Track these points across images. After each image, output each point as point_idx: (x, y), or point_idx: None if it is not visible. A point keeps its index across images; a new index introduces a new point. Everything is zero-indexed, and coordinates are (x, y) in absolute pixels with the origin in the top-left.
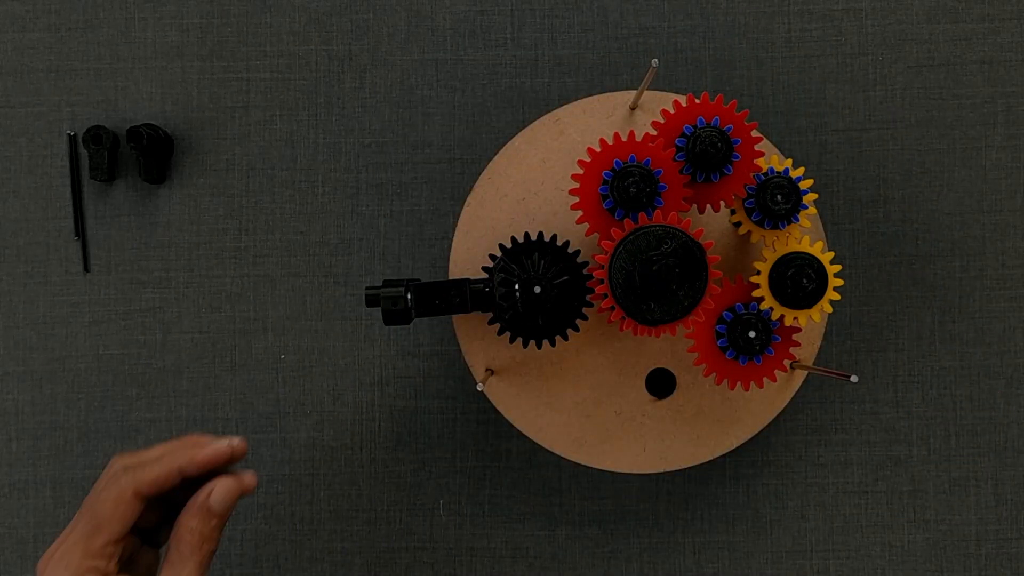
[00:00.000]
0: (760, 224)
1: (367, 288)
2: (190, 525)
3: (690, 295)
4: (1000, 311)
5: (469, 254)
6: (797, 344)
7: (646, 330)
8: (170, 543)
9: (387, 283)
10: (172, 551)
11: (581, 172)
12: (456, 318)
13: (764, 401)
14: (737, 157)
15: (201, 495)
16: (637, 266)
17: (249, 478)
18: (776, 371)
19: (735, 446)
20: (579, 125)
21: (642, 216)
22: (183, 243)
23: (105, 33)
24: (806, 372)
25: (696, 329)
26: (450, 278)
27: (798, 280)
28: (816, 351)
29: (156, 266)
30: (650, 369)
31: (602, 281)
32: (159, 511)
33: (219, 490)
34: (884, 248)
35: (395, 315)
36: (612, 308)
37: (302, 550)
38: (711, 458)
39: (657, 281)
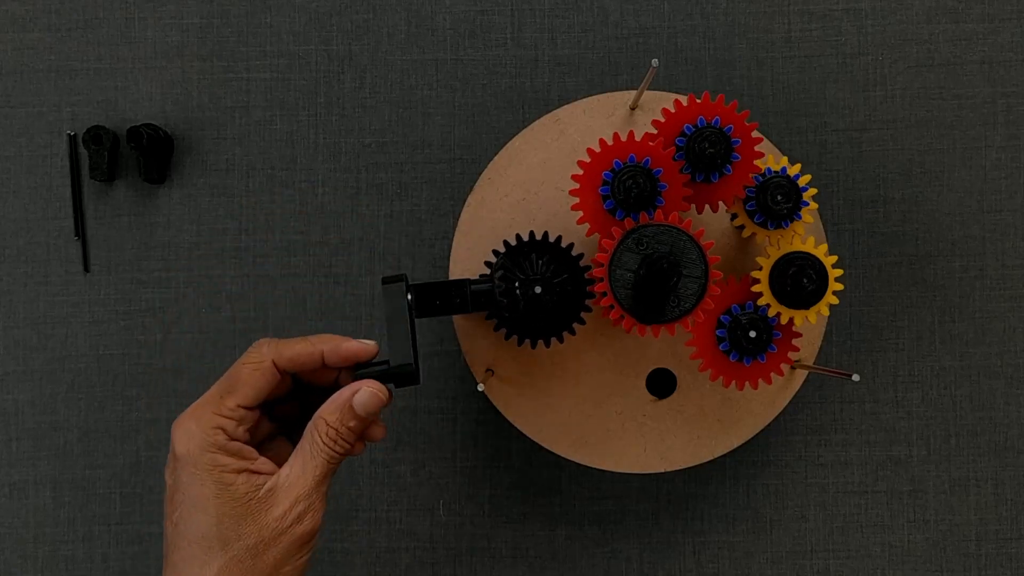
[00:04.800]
0: (761, 224)
1: (384, 278)
2: (328, 419)
3: (690, 295)
4: (1000, 311)
5: (469, 254)
6: (798, 345)
7: (645, 328)
8: (303, 435)
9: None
10: (304, 442)
11: (581, 172)
12: (456, 318)
13: (764, 401)
14: (737, 157)
15: (345, 392)
16: (637, 265)
17: (389, 396)
18: (776, 371)
19: (735, 446)
20: (579, 125)
21: (642, 216)
22: (183, 243)
23: (105, 33)
24: (806, 372)
25: (696, 329)
26: (450, 278)
27: (799, 280)
28: (816, 351)
29: (156, 266)
30: (650, 369)
31: (602, 280)
32: (298, 406)
33: (364, 392)
34: (884, 248)
35: (404, 379)
36: (612, 307)
37: None
38: (711, 458)
39: (657, 280)
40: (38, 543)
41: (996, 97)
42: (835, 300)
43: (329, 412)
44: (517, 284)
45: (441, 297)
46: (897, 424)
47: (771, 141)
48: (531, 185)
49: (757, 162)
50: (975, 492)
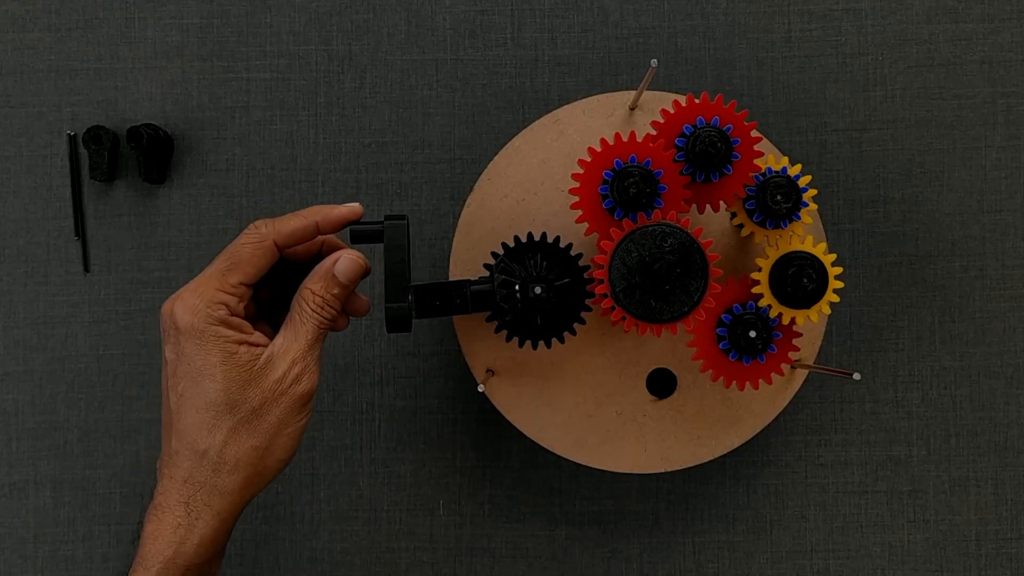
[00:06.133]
0: (760, 224)
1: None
2: (314, 288)
3: (690, 295)
4: (1000, 311)
5: (469, 254)
6: (798, 344)
7: (645, 328)
8: (291, 307)
9: (389, 278)
10: (293, 312)
11: (581, 172)
12: (456, 319)
13: (764, 401)
14: (737, 157)
15: (327, 263)
16: (637, 265)
17: (367, 264)
18: (776, 371)
19: (736, 446)
20: (579, 125)
21: (642, 216)
22: (183, 243)
23: (105, 33)
24: (806, 372)
25: (697, 329)
26: (450, 279)
27: (799, 280)
28: (816, 350)
29: (156, 266)
30: (651, 369)
31: (602, 281)
32: (275, 289)
33: (344, 260)
34: (884, 248)
35: (398, 323)
36: (612, 307)
37: (302, 550)
38: (712, 458)
39: (657, 280)
40: (38, 543)
41: (996, 97)
42: (835, 298)
43: (314, 282)
44: (517, 285)
45: (441, 298)
46: (897, 424)
47: (771, 141)
48: (531, 185)
49: (757, 162)
50: (975, 492)
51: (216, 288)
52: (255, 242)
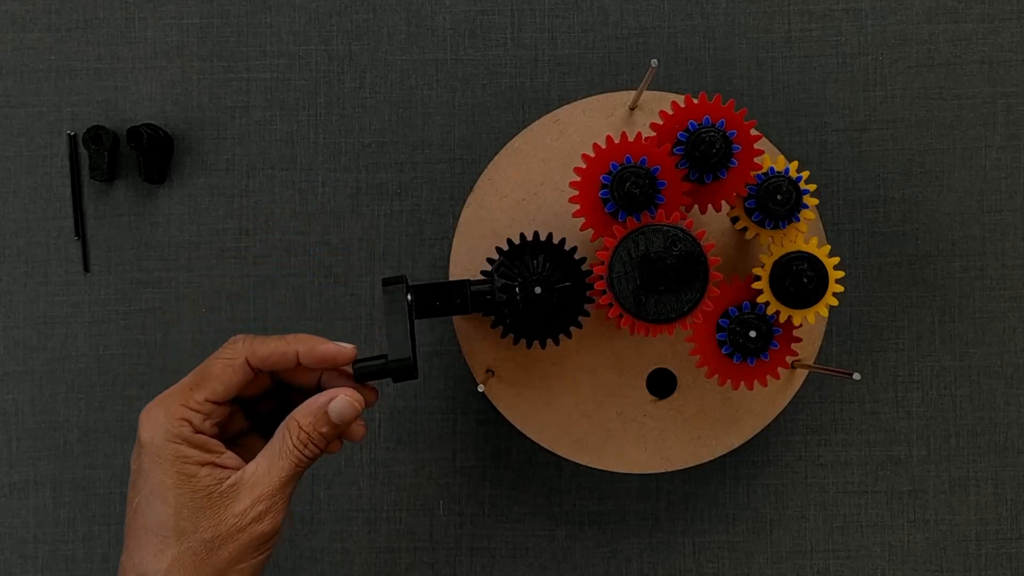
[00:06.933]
0: (761, 224)
1: (385, 280)
2: (300, 422)
3: (690, 295)
4: (1000, 311)
5: (469, 254)
6: (798, 343)
7: (644, 328)
8: (275, 433)
9: (392, 345)
10: (274, 441)
11: (583, 168)
12: (456, 319)
13: (765, 401)
14: (737, 157)
15: (322, 397)
16: (637, 264)
17: (372, 397)
18: (776, 371)
19: (735, 446)
20: (579, 125)
21: (643, 216)
22: (183, 243)
23: (105, 33)
24: (806, 372)
25: (697, 329)
26: (450, 279)
27: (799, 279)
28: (816, 351)
29: (156, 266)
30: (651, 369)
31: (602, 278)
32: (276, 403)
33: (341, 400)
34: (884, 248)
35: (402, 373)
36: (611, 306)
37: (302, 550)
38: (711, 458)
39: (657, 280)
40: (38, 543)
41: (996, 97)
42: (834, 302)
43: (303, 415)
44: (517, 284)
45: (441, 298)
46: (897, 424)
47: (771, 141)
48: (531, 185)
49: (757, 161)
50: (975, 492)
51: (180, 403)
52: (227, 359)
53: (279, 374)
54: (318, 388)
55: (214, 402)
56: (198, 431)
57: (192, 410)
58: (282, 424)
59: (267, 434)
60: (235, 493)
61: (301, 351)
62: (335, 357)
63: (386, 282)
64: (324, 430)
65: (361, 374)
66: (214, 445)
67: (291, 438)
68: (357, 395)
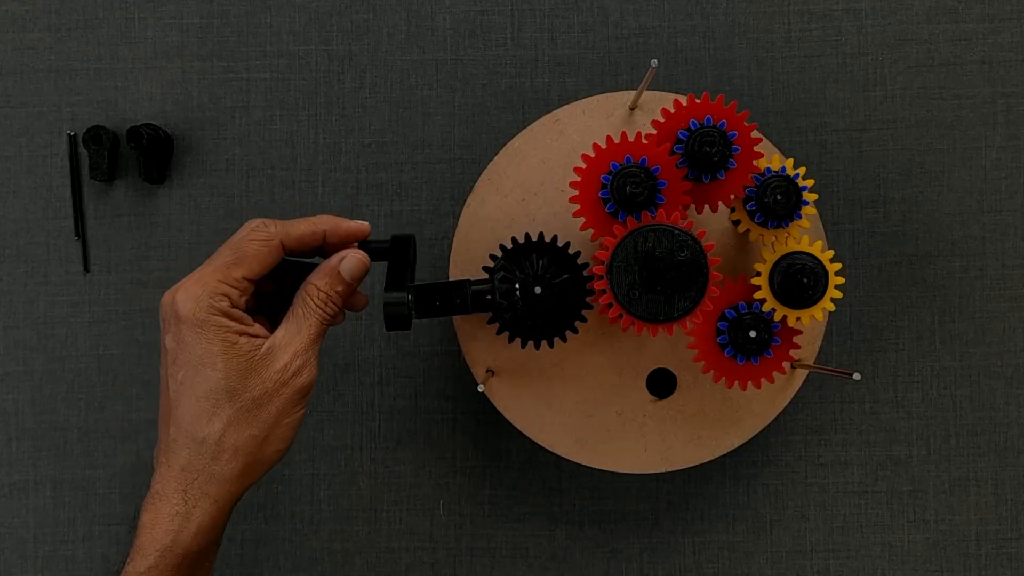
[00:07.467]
0: (761, 224)
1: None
2: (319, 284)
3: (683, 303)
4: (1000, 311)
5: (469, 254)
6: (798, 345)
7: (643, 327)
8: (294, 302)
9: (390, 277)
10: (295, 307)
11: (583, 168)
12: (457, 319)
13: (765, 401)
14: (736, 158)
15: (333, 260)
16: (637, 265)
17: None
18: (776, 371)
19: (735, 446)
20: (579, 125)
21: (644, 215)
22: (183, 243)
23: (105, 33)
24: (806, 372)
25: (697, 329)
26: (450, 279)
27: (799, 280)
28: (817, 351)
29: (156, 266)
30: (651, 369)
31: (602, 277)
32: (274, 284)
33: (350, 259)
34: (884, 248)
35: (397, 320)
36: (611, 306)
37: (302, 550)
38: (711, 458)
39: (657, 280)
40: (38, 543)
41: (996, 97)
42: (832, 306)
43: (319, 278)
44: (517, 285)
45: (441, 298)
46: (897, 424)
47: (771, 141)
48: (531, 185)
49: (757, 162)
50: (975, 492)
51: (220, 280)
52: (263, 239)
53: (295, 251)
54: (316, 261)
55: (250, 280)
56: (234, 306)
57: (230, 286)
58: (299, 291)
59: (268, 313)
60: (272, 354)
61: (328, 230)
62: (355, 233)
63: (395, 236)
64: (339, 288)
65: (368, 250)
66: (246, 318)
67: (312, 299)
68: (363, 253)
